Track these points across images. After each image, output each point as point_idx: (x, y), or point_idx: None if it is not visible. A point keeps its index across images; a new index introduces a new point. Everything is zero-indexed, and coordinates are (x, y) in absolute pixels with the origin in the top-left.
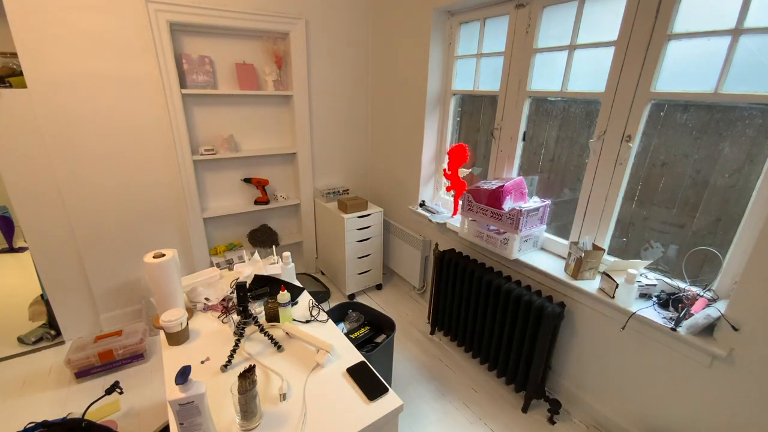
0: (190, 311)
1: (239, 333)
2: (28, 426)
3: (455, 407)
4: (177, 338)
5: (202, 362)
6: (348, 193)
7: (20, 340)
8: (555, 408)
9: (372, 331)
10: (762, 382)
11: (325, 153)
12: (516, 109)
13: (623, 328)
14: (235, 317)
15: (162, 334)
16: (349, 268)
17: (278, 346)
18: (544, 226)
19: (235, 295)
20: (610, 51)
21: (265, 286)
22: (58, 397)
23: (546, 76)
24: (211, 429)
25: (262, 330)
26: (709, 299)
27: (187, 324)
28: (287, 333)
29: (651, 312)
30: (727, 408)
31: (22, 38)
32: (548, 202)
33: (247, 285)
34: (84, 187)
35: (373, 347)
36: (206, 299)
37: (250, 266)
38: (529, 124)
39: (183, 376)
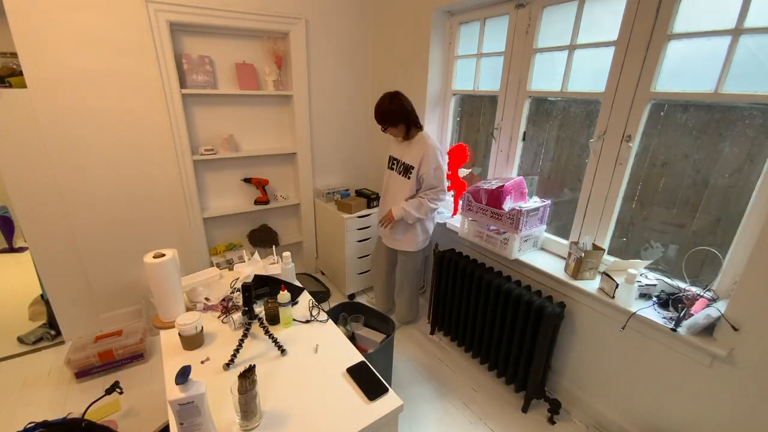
0: (190, 311)
1: (244, 333)
2: (28, 426)
3: (455, 407)
4: (192, 342)
5: (202, 362)
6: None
7: (20, 340)
8: (555, 408)
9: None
10: (762, 382)
11: (325, 153)
12: (516, 109)
13: (623, 328)
14: (235, 317)
15: (162, 334)
16: (349, 268)
17: (280, 347)
18: (544, 226)
19: (234, 295)
20: (610, 51)
21: (265, 286)
22: (58, 397)
23: (546, 76)
24: (211, 429)
25: (267, 332)
26: (709, 299)
27: (202, 328)
28: None
29: (651, 312)
30: (727, 408)
31: (22, 38)
32: (548, 202)
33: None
34: (84, 187)
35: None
36: (206, 299)
37: (250, 266)
38: (529, 124)
39: (183, 376)
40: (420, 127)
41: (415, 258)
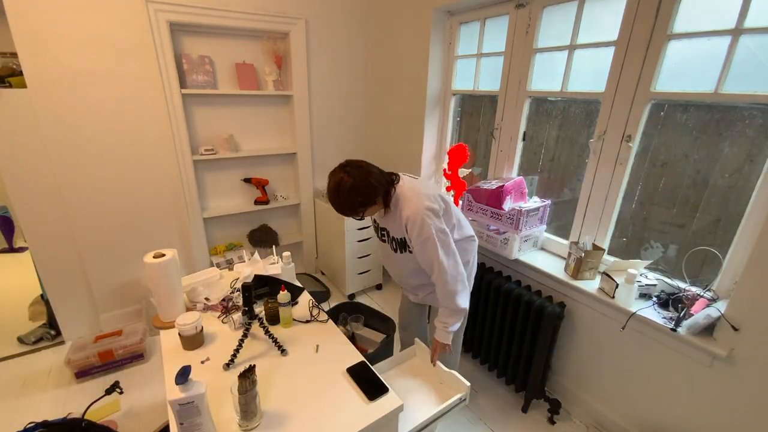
0: (190, 311)
1: (244, 333)
2: (28, 426)
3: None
4: (192, 342)
5: (202, 362)
6: None
7: (20, 340)
8: (555, 408)
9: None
10: (762, 382)
11: (325, 153)
12: (516, 109)
13: (623, 328)
14: (235, 317)
15: (162, 334)
16: (349, 268)
17: (280, 347)
18: (544, 226)
19: (234, 295)
20: (610, 51)
21: (265, 286)
22: (58, 397)
23: (546, 76)
24: (211, 429)
25: (267, 332)
26: (709, 299)
27: (202, 328)
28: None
29: (651, 312)
30: (727, 408)
31: (22, 38)
32: (548, 202)
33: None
34: (84, 187)
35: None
36: (206, 299)
37: (250, 266)
38: (529, 124)
39: (183, 376)
40: (393, 186)
41: None
